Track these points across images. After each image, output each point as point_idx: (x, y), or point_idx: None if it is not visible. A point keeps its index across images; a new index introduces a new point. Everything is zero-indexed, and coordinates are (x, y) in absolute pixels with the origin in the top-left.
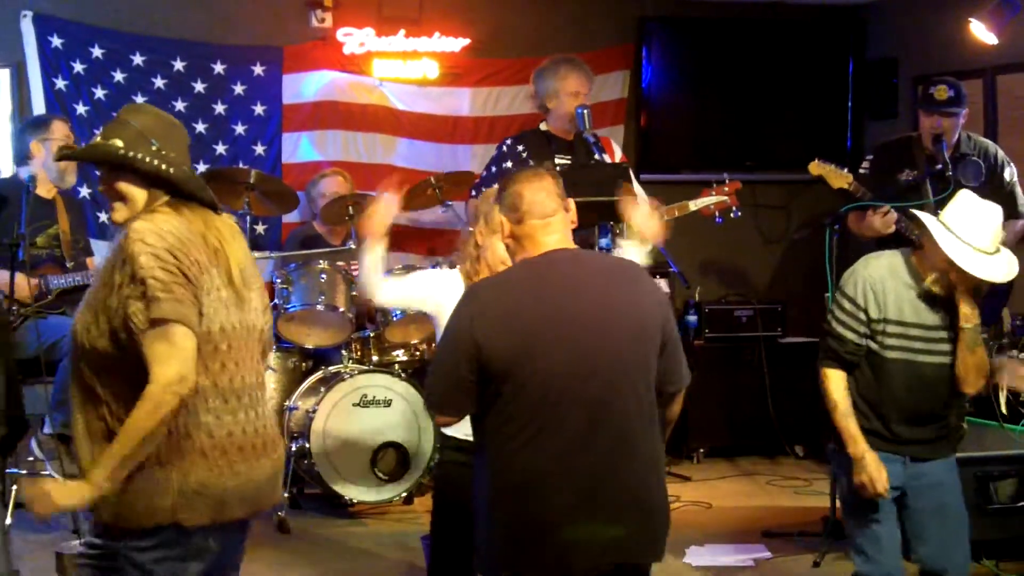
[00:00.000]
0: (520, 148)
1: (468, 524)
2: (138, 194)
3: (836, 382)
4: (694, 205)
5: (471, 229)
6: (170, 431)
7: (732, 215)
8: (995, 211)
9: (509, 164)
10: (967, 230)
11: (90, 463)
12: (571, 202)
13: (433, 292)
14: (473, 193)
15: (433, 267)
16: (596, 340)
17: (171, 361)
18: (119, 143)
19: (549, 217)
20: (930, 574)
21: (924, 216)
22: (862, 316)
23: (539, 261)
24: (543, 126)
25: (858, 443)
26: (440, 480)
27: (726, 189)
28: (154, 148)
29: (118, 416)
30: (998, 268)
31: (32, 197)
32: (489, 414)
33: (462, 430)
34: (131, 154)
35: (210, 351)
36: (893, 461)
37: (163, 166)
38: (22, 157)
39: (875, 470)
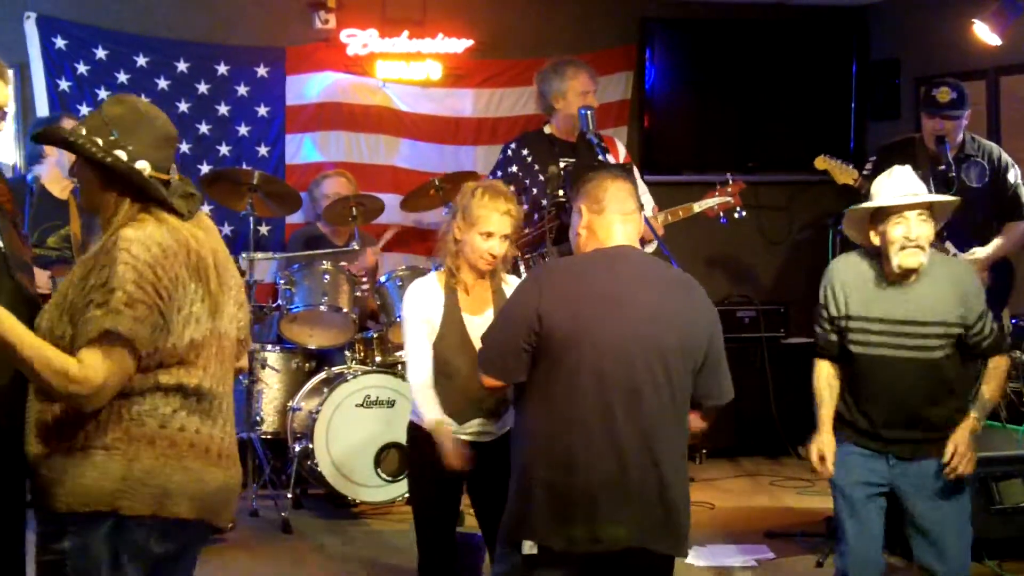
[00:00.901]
0: (524, 152)
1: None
2: (93, 181)
3: (817, 374)
4: (698, 207)
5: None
6: (120, 416)
7: (736, 215)
8: (904, 169)
9: (514, 168)
10: (888, 189)
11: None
12: (644, 212)
13: (427, 319)
14: None
15: (435, 268)
16: (647, 334)
17: (100, 370)
18: (78, 129)
19: (627, 215)
20: (927, 573)
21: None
22: (824, 314)
23: (611, 253)
24: (546, 129)
25: (821, 425)
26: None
27: (729, 190)
28: (112, 138)
29: (68, 411)
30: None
31: (36, 199)
32: (536, 385)
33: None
34: (72, 138)
35: (175, 361)
36: (876, 458)
37: (103, 154)
38: (35, 156)
39: (816, 449)
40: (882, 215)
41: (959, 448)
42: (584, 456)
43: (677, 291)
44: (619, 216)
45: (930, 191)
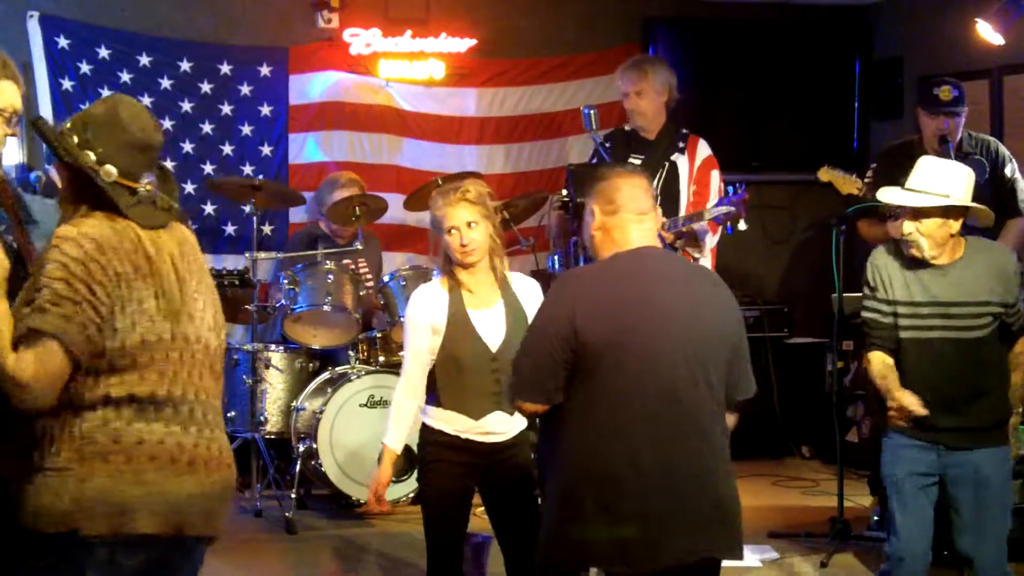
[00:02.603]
0: (607, 145)
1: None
2: (63, 178)
3: (875, 361)
4: (708, 214)
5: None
6: (72, 435)
7: (740, 227)
8: (950, 164)
9: (595, 161)
10: (914, 179)
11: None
12: (659, 207)
13: (431, 323)
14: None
15: (438, 269)
16: (682, 334)
17: (28, 368)
18: (65, 124)
19: (643, 214)
20: (968, 563)
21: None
22: (880, 294)
23: (633, 255)
24: (628, 125)
25: (892, 390)
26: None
27: (738, 199)
28: (86, 136)
29: (26, 430)
30: (912, 198)
31: (39, 197)
32: (573, 400)
33: (452, 425)
34: (45, 130)
35: (127, 363)
36: (927, 449)
37: (63, 151)
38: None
39: (905, 396)
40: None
41: None
42: (634, 470)
43: (704, 287)
44: (634, 215)
45: None
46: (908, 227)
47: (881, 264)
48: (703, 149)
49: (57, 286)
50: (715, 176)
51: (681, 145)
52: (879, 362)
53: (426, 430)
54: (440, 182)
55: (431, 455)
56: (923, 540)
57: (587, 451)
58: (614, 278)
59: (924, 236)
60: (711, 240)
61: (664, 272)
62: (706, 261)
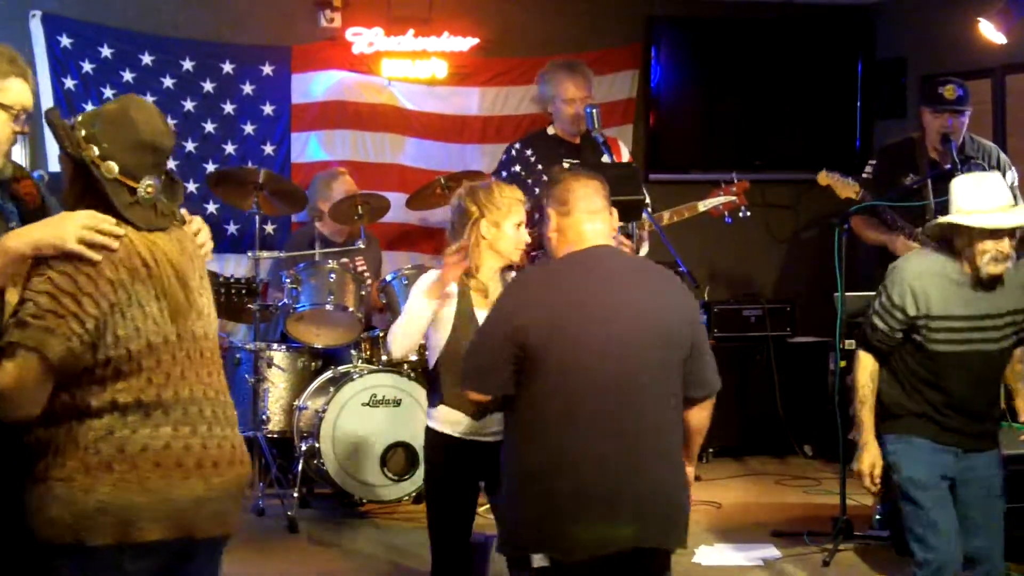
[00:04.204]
0: (528, 152)
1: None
2: (66, 173)
3: (863, 367)
4: (703, 206)
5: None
6: (77, 445)
7: (741, 215)
8: (993, 176)
9: (517, 168)
10: (975, 200)
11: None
12: (614, 209)
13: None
14: None
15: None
16: (627, 331)
17: (8, 377)
18: (76, 118)
19: (595, 213)
20: (975, 565)
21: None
22: (898, 314)
23: (583, 254)
24: (550, 129)
25: (864, 431)
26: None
27: (734, 189)
28: (93, 131)
29: (30, 439)
30: (1015, 217)
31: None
32: (523, 395)
33: (456, 427)
34: (56, 123)
35: (132, 368)
36: (946, 452)
37: (68, 143)
38: None
39: (870, 465)
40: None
41: None
42: (578, 460)
43: (655, 284)
44: (587, 215)
45: (929, 193)
46: (1005, 246)
47: (918, 279)
48: (624, 151)
49: (41, 300)
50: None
51: (605, 147)
52: (865, 369)
53: (430, 432)
54: (443, 181)
55: (436, 457)
56: (958, 545)
57: (529, 443)
58: (559, 277)
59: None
60: (644, 248)
61: (614, 270)
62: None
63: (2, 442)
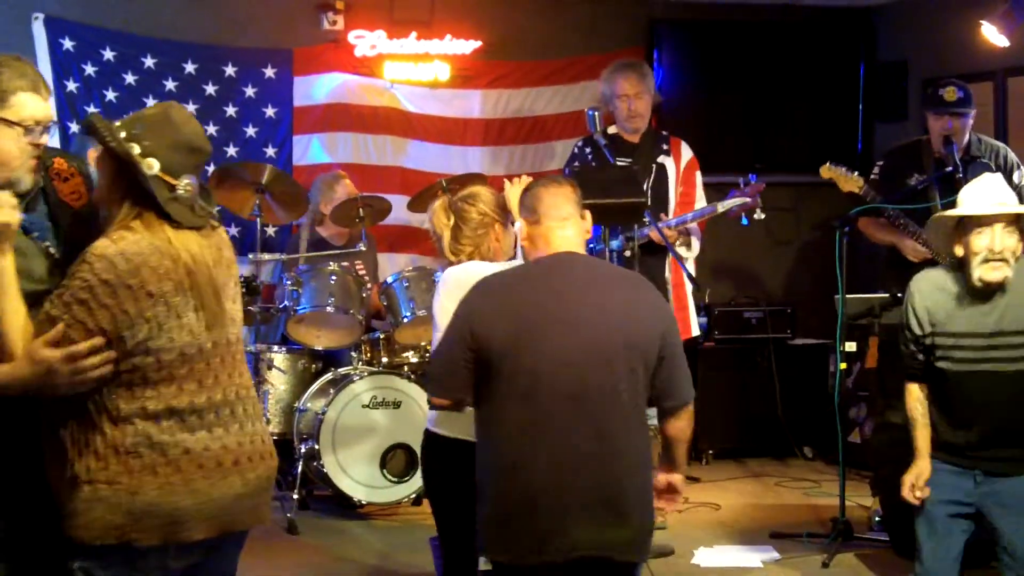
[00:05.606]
0: (588, 150)
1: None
2: (106, 173)
3: (908, 393)
4: (722, 207)
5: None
6: (117, 450)
7: (756, 216)
8: (994, 176)
9: (577, 165)
10: (970, 198)
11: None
12: (587, 213)
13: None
14: None
15: (441, 269)
16: (587, 339)
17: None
18: (115, 122)
19: (564, 220)
20: None
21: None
22: (907, 334)
23: (547, 260)
24: (611, 128)
25: (916, 451)
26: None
27: (750, 190)
28: (134, 132)
29: (71, 440)
30: (995, 206)
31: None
32: (484, 400)
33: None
34: (98, 124)
35: (163, 377)
36: (964, 475)
37: (114, 141)
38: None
39: (914, 476)
40: (967, 225)
41: None
42: (529, 465)
43: (623, 291)
44: (556, 223)
45: (935, 195)
46: (1007, 242)
47: (921, 297)
48: (686, 151)
49: (75, 309)
50: (699, 177)
51: (665, 147)
52: (911, 395)
53: (429, 436)
54: (444, 184)
55: (435, 464)
56: (952, 570)
57: (492, 446)
58: (518, 283)
59: (1013, 254)
60: (696, 244)
61: (576, 277)
62: (691, 264)
63: (15, 444)
